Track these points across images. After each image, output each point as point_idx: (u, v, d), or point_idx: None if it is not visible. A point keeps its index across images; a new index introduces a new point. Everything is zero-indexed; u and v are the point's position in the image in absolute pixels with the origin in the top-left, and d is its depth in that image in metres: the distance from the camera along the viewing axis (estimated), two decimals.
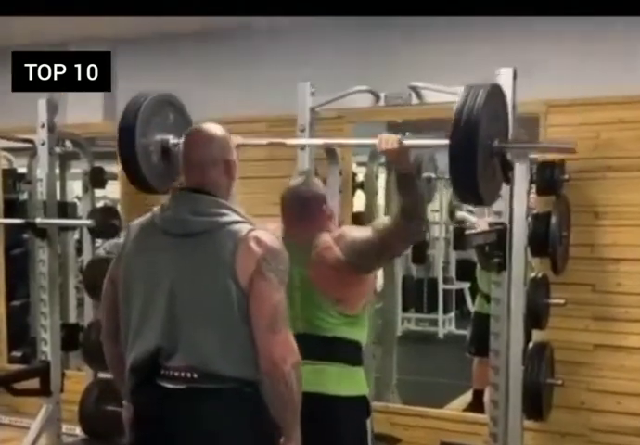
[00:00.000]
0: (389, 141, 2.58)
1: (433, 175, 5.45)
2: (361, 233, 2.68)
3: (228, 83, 4.75)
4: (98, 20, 4.77)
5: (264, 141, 3.22)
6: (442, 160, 5.17)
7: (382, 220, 2.69)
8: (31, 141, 4.62)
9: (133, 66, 5.06)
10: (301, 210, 2.71)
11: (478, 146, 2.49)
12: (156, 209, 2.30)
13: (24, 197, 5.73)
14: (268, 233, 2.24)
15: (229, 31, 4.70)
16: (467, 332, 5.52)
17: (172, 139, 3.05)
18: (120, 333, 2.30)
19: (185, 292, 2.17)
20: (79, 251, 5.35)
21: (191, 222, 2.19)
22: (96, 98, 5.16)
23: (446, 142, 2.52)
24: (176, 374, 2.16)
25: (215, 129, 2.32)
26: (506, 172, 2.69)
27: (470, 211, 5.27)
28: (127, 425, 2.36)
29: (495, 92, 2.66)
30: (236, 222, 2.20)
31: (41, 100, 4.36)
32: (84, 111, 5.10)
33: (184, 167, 2.30)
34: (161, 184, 3.01)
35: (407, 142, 2.61)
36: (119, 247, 2.39)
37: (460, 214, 5.03)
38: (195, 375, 2.14)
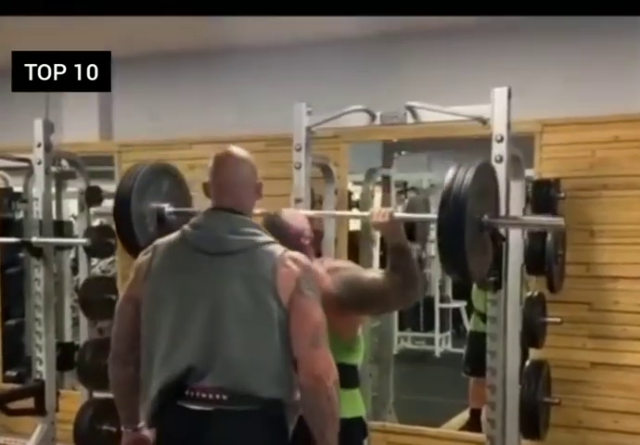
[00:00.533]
0: (380, 214, 2.64)
1: (424, 255, 5.53)
2: (361, 273, 2.68)
3: (226, 103, 4.77)
4: (95, 40, 4.80)
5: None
6: (435, 163, 5.21)
7: (383, 272, 2.67)
8: (27, 160, 4.61)
9: (129, 86, 5.08)
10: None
11: (466, 222, 2.52)
12: (187, 227, 2.30)
13: (20, 215, 5.72)
14: (300, 253, 2.30)
15: (226, 50, 4.72)
16: (463, 350, 5.50)
17: (167, 208, 3.09)
18: (131, 355, 2.28)
19: (225, 310, 2.17)
20: (74, 270, 5.34)
21: (229, 241, 2.22)
22: (93, 118, 5.19)
23: (434, 217, 2.58)
24: (204, 395, 2.14)
25: (244, 153, 2.38)
26: (498, 243, 2.72)
27: None
28: None
29: (484, 168, 2.71)
30: (270, 242, 2.26)
31: (37, 120, 4.36)
32: (81, 131, 5.12)
33: (214, 188, 2.33)
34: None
35: (398, 215, 2.67)
36: (140, 265, 2.33)
37: None
38: (224, 397, 2.13)
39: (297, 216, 2.82)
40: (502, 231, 2.90)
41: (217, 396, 2.13)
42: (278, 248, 2.24)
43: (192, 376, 2.14)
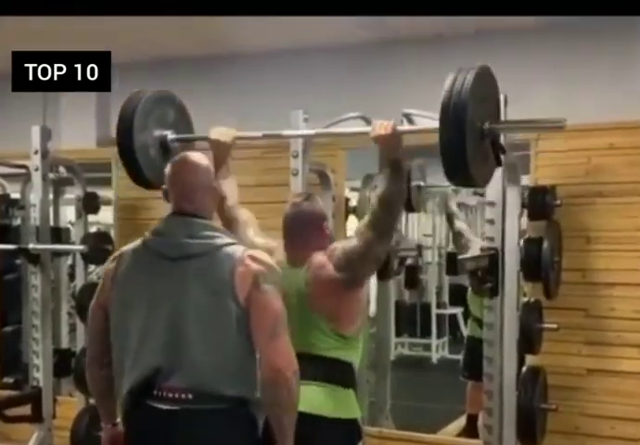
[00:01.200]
0: (382, 126, 2.61)
1: (422, 183, 5.47)
2: (346, 243, 2.70)
3: (224, 109, 4.78)
4: (92, 46, 4.81)
5: (259, 133, 3.22)
6: (431, 170, 5.21)
7: (362, 220, 2.70)
8: (24, 167, 4.62)
9: (128, 92, 5.08)
10: (304, 228, 2.74)
11: (467, 128, 2.47)
12: (147, 233, 2.36)
13: (17, 222, 5.71)
14: (262, 252, 2.35)
15: (224, 57, 4.74)
16: (460, 356, 5.51)
17: (170, 134, 3.07)
18: (106, 358, 2.35)
19: (186, 313, 2.22)
20: (71, 277, 5.34)
21: (188, 245, 2.27)
22: (90, 125, 5.19)
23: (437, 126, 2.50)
24: (171, 395, 2.20)
25: (200, 157, 2.43)
26: (498, 155, 2.68)
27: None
28: None
29: (484, 73, 2.63)
30: (231, 243, 2.29)
31: (35, 127, 4.38)
32: (78, 137, 5.12)
33: (173, 194, 2.38)
34: (159, 179, 3.01)
35: (400, 128, 2.65)
36: (107, 273, 2.42)
37: (458, 225, 4.98)
38: (190, 396, 2.19)
39: (320, 204, 2.86)
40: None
41: (183, 395, 2.19)
42: (238, 249, 2.28)
43: (159, 377, 2.21)
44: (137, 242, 2.38)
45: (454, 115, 2.46)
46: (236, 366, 2.22)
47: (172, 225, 2.33)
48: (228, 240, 2.30)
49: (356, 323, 2.73)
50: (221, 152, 2.92)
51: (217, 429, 2.20)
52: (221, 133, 2.96)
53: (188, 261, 2.25)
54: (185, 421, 2.19)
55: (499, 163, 2.74)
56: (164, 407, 2.19)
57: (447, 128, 2.46)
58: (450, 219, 5.19)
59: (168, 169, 2.42)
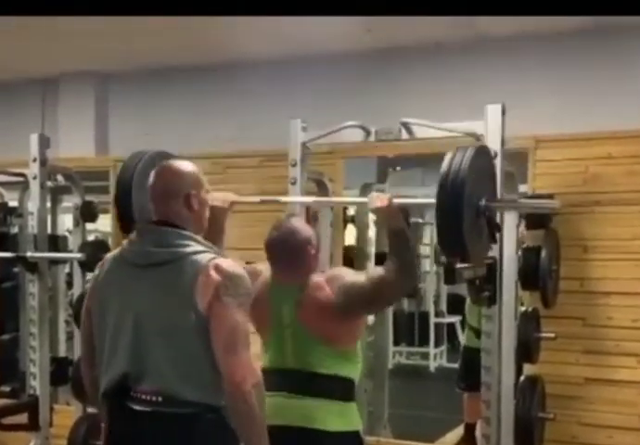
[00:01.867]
0: (378, 199, 2.64)
1: (421, 220, 5.50)
2: (355, 278, 2.68)
3: (222, 118, 4.80)
4: (91, 55, 4.83)
5: (257, 199, 3.27)
6: (428, 180, 5.23)
7: (377, 269, 2.71)
8: (22, 175, 4.62)
9: (125, 101, 5.11)
10: (287, 258, 2.72)
11: (464, 205, 2.53)
12: (124, 242, 2.39)
13: (15, 230, 5.70)
14: (229, 260, 2.31)
15: (221, 66, 4.75)
16: (457, 365, 5.50)
17: None
18: (94, 359, 2.39)
19: (148, 320, 2.24)
20: (69, 285, 5.33)
21: (154, 254, 2.27)
22: (89, 133, 5.21)
23: (432, 201, 2.58)
24: (144, 396, 2.23)
25: (181, 164, 2.40)
26: (493, 232, 2.73)
27: None
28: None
29: (482, 152, 2.71)
30: (199, 252, 2.27)
31: (33, 135, 4.38)
32: (77, 146, 5.13)
33: (150, 201, 2.38)
34: None
35: (397, 200, 2.68)
36: (92, 279, 2.47)
37: (444, 260, 5.05)
38: (159, 399, 2.21)
39: (304, 224, 2.85)
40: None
41: (153, 398, 2.21)
42: (204, 257, 2.25)
43: (130, 381, 2.24)
44: (117, 250, 2.41)
45: (451, 193, 2.52)
46: (198, 374, 2.22)
47: (143, 234, 2.34)
48: (198, 248, 2.28)
49: (354, 340, 2.74)
50: (217, 216, 2.87)
51: (187, 433, 2.21)
52: (218, 198, 2.90)
53: (155, 269, 2.26)
54: (155, 423, 2.22)
55: (494, 241, 2.79)
56: (138, 408, 2.22)
57: (444, 205, 2.52)
58: (437, 255, 5.23)
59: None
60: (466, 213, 2.53)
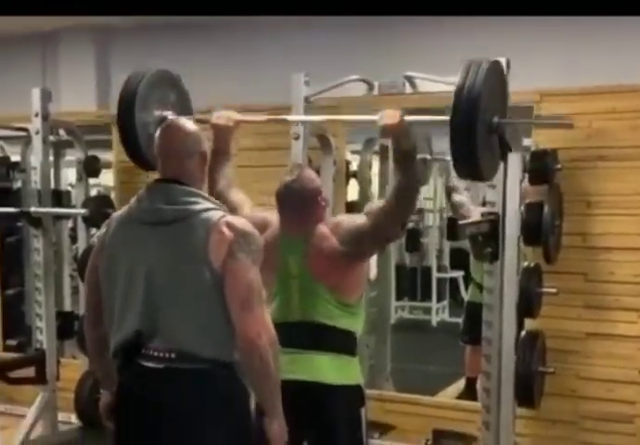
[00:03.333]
0: (390, 116, 2.58)
1: (428, 156, 5.46)
2: (355, 220, 2.70)
3: (223, 73, 4.76)
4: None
5: (263, 118, 3.22)
6: (437, 142, 5.19)
7: (375, 203, 2.70)
8: (25, 129, 4.61)
9: (128, 55, 5.06)
10: (298, 207, 2.72)
11: (478, 123, 2.51)
12: (132, 200, 2.37)
13: (18, 185, 5.72)
14: (240, 218, 2.34)
15: (226, 21, 4.70)
16: (460, 320, 5.54)
17: (171, 115, 3.05)
18: (100, 319, 2.40)
19: (161, 278, 2.24)
20: (73, 239, 5.36)
21: (164, 211, 2.27)
22: (90, 87, 5.17)
23: (447, 118, 2.54)
24: (156, 354, 2.24)
25: (188, 123, 2.41)
26: (504, 151, 2.71)
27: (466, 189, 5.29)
28: (103, 411, 2.49)
29: (495, 69, 2.66)
30: (209, 209, 2.28)
31: (35, 89, 4.36)
32: (78, 100, 5.10)
33: (160, 159, 2.37)
34: None
35: (408, 117, 2.62)
36: (99, 237, 2.45)
37: (457, 198, 5.03)
38: (172, 355, 2.22)
39: (316, 175, 2.84)
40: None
41: (166, 354, 2.23)
42: (215, 215, 2.26)
43: (142, 339, 2.25)
44: (124, 208, 2.40)
45: (466, 108, 2.49)
46: (211, 330, 2.23)
47: (153, 191, 2.33)
48: (208, 205, 2.29)
49: (359, 291, 2.75)
50: (222, 136, 2.90)
51: (199, 389, 2.23)
52: (222, 117, 2.91)
53: (165, 227, 2.26)
54: (168, 378, 2.24)
55: (504, 159, 2.76)
56: (150, 365, 2.24)
57: (459, 120, 2.50)
58: (448, 192, 5.22)
59: (156, 134, 2.42)
60: (479, 129, 2.51)
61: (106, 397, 2.50)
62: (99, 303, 2.39)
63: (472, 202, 4.95)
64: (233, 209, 2.67)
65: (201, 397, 2.22)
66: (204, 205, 2.28)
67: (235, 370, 2.26)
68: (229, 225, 2.23)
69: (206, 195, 2.35)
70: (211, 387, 2.23)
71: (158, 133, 2.41)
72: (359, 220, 2.67)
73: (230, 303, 2.20)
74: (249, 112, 4.14)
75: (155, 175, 2.41)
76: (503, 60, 3.10)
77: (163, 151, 2.36)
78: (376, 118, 2.62)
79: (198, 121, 2.84)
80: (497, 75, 2.69)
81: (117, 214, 2.42)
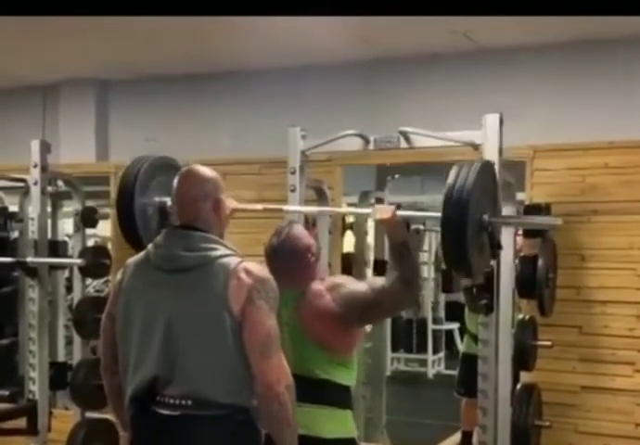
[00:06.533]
0: (383, 211, 2.66)
1: (422, 227, 5.53)
2: (356, 287, 2.70)
3: (222, 126, 4.83)
4: (91, 62, 4.85)
5: (259, 206, 3.29)
6: (427, 186, 5.25)
7: (379, 279, 2.72)
8: (23, 180, 4.64)
9: (125, 108, 5.13)
10: (287, 267, 2.73)
11: (468, 221, 2.57)
12: (150, 246, 2.39)
13: (15, 235, 5.72)
14: (257, 264, 2.34)
15: (221, 75, 4.78)
16: (456, 372, 5.52)
17: (169, 201, 3.10)
18: (117, 366, 2.39)
19: (180, 324, 2.25)
20: (69, 290, 5.34)
21: (183, 258, 2.29)
22: (89, 139, 5.23)
23: (438, 215, 2.61)
24: (172, 401, 2.24)
25: (205, 169, 2.43)
26: (494, 247, 2.76)
27: None
28: None
29: (485, 168, 2.74)
30: (226, 255, 2.30)
31: (34, 140, 4.39)
32: (77, 152, 5.15)
33: (176, 205, 2.41)
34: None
35: (401, 213, 2.69)
36: (115, 284, 2.46)
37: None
38: (189, 402, 2.22)
39: (305, 232, 2.86)
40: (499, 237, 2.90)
41: (183, 401, 2.23)
42: (233, 261, 2.28)
43: (158, 385, 2.25)
44: (142, 254, 2.41)
45: (457, 208, 2.56)
46: (230, 376, 2.24)
47: (170, 238, 2.35)
48: (225, 252, 2.31)
49: (352, 349, 2.75)
50: None
51: (216, 434, 2.23)
52: None
53: (184, 274, 2.27)
54: (184, 426, 2.23)
55: (495, 256, 2.81)
56: (166, 412, 2.23)
57: (449, 220, 2.56)
58: (438, 262, 5.27)
59: (175, 181, 2.44)
60: (469, 228, 2.57)
61: (126, 439, 2.45)
62: (115, 350, 2.39)
63: None
64: None
65: (218, 442, 2.23)
66: (221, 251, 2.30)
67: (251, 414, 2.26)
68: (247, 271, 2.25)
69: (222, 241, 2.36)
70: (228, 432, 2.24)
71: (175, 179, 2.43)
72: (360, 287, 2.68)
73: (249, 350, 2.21)
74: (243, 165, 4.21)
75: None
76: (496, 116, 3.18)
77: (180, 197, 2.39)
78: (369, 211, 2.70)
79: None
80: (488, 174, 2.76)
81: (133, 260, 2.43)
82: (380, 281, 2.67)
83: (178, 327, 2.25)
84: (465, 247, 2.57)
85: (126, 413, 2.35)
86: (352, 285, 2.72)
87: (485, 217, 2.69)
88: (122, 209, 3.09)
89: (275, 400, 2.19)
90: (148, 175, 3.10)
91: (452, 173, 2.62)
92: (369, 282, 2.74)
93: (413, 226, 4.79)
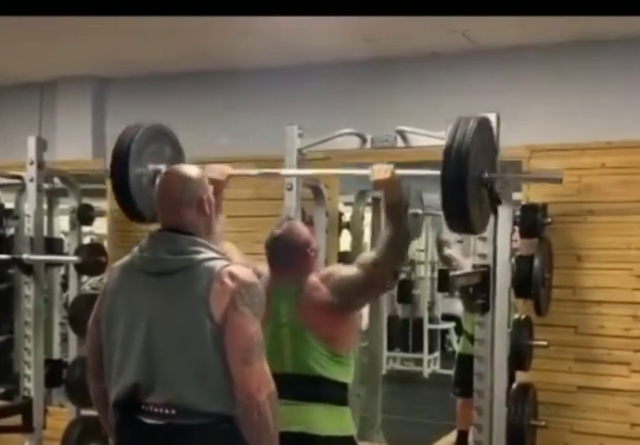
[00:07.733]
0: (381, 171, 2.64)
1: (420, 211, 5.52)
2: (346, 271, 2.71)
3: (218, 124, 4.82)
4: (89, 59, 4.84)
5: (255, 171, 3.26)
6: (429, 197, 5.25)
7: (367, 254, 2.73)
8: (19, 177, 4.63)
9: (122, 105, 5.12)
10: (287, 259, 2.74)
11: (468, 177, 2.56)
12: (135, 249, 2.34)
13: (11, 232, 5.72)
14: (242, 267, 2.29)
15: (219, 73, 4.77)
16: (451, 372, 5.52)
17: (164, 169, 3.08)
18: (103, 371, 2.34)
19: (160, 329, 2.21)
20: (64, 287, 5.34)
21: (167, 261, 2.24)
22: (86, 136, 5.22)
23: (437, 173, 2.59)
24: (156, 410, 2.19)
25: (189, 169, 2.36)
26: (494, 203, 2.74)
27: (459, 241, 5.34)
28: None
29: (484, 124, 2.72)
30: (212, 258, 2.24)
31: (30, 137, 4.39)
32: (74, 149, 5.15)
33: (159, 208, 2.35)
34: (152, 212, 3.03)
35: (399, 171, 2.68)
36: (102, 287, 2.43)
37: (448, 252, 5.08)
38: (173, 412, 2.17)
39: (305, 228, 2.86)
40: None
41: (167, 410, 2.18)
42: (218, 264, 2.22)
43: (140, 392, 2.21)
44: (127, 257, 2.37)
45: (456, 164, 2.55)
46: (212, 383, 2.18)
47: (155, 241, 2.30)
48: (210, 255, 2.25)
49: (350, 342, 2.75)
50: (214, 190, 2.89)
51: (201, 443, 2.18)
52: (215, 170, 2.94)
53: (168, 277, 2.22)
54: (169, 436, 2.19)
55: (495, 212, 2.80)
56: (151, 421, 2.19)
57: (449, 176, 2.55)
58: (439, 246, 5.27)
59: (157, 183, 2.41)
60: (469, 184, 2.56)
61: None
62: (101, 356, 2.35)
63: (464, 254, 4.99)
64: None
65: None
66: (207, 254, 2.24)
67: (236, 423, 2.20)
68: (232, 275, 2.19)
69: (208, 243, 2.29)
70: (213, 442, 2.19)
71: (158, 182, 2.40)
72: (350, 271, 2.69)
73: (230, 356, 2.15)
74: (240, 163, 4.20)
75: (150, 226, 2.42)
76: (493, 116, 3.18)
77: (162, 200, 2.33)
78: (368, 172, 2.67)
79: None
80: (486, 131, 2.75)
81: (119, 263, 2.38)
82: (369, 254, 2.67)
83: (158, 332, 2.20)
84: (465, 204, 2.56)
85: (110, 419, 2.31)
86: (343, 270, 2.73)
87: (484, 174, 2.68)
88: (117, 179, 3.04)
89: (255, 410, 2.14)
90: (142, 143, 3.07)
91: (449, 130, 2.60)
92: (360, 259, 2.72)
93: (411, 210, 4.77)
